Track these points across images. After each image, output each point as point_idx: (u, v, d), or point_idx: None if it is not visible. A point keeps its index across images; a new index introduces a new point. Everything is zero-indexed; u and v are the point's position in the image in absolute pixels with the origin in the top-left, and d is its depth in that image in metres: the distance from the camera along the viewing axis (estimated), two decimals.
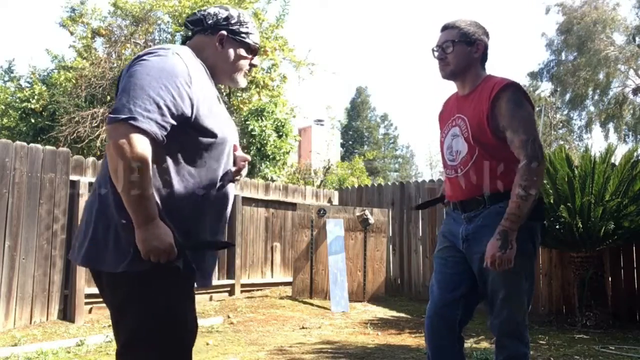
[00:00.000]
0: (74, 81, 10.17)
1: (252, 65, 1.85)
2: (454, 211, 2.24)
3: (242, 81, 1.85)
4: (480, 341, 4.55)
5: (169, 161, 1.59)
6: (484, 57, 2.21)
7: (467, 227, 2.14)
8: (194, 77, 1.61)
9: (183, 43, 1.81)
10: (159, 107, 1.50)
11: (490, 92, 2.06)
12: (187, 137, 1.60)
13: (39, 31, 56.82)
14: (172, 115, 1.53)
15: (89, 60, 10.46)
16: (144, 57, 1.59)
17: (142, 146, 1.47)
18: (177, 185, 1.59)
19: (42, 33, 42.08)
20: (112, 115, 1.49)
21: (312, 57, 22.08)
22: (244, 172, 1.88)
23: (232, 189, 1.81)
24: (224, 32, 1.75)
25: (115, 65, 10.19)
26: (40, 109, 10.25)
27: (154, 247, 1.48)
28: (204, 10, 1.78)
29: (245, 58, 1.81)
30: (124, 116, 1.47)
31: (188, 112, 1.57)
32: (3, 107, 10.87)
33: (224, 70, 1.79)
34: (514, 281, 2.08)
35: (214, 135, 1.64)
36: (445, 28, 2.21)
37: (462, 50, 2.15)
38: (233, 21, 1.77)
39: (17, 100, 10.46)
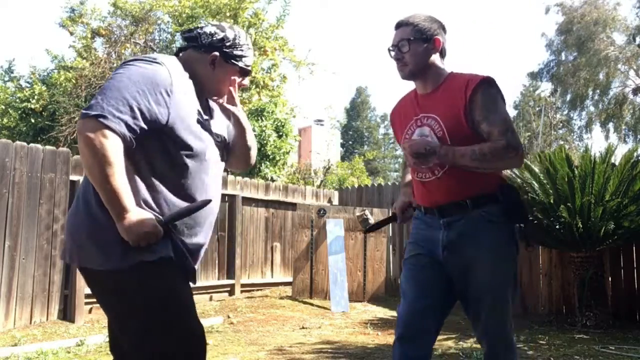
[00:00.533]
0: (74, 81, 10.17)
1: (240, 86, 1.85)
2: (426, 215, 2.10)
3: (221, 98, 1.85)
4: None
5: (145, 165, 1.62)
6: (443, 53, 2.10)
7: (448, 233, 2.01)
8: (177, 89, 1.64)
9: (177, 53, 1.83)
10: (132, 110, 1.54)
11: (464, 87, 1.97)
12: (161, 144, 1.63)
13: (39, 31, 56.84)
14: (145, 120, 1.56)
15: (89, 60, 10.46)
16: (130, 62, 1.64)
17: (110, 142, 1.50)
18: (153, 190, 1.62)
19: (42, 33, 42.10)
20: (84, 111, 1.54)
21: (312, 57, 22.09)
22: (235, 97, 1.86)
23: (217, 199, 1.82)
24: (217, 54, 1.76)
25: (115, 65, 10.19)
26: (40, 109, 10.26)
27: (140, 233, 1.52)
28: (201, 28, 1.80)
29: (233, 81, 1.81)
30: (94, 113, 1.51)
31: (163, 119, 1.59)
32: (3, 107, 10.86)
33: (211, 89, 1.80)
34: (499, 288, 1.99)
35: (189, 148, 1.65)
36: (399, 26, 2.09)
37: (419, 48, 2.03)
38: (228, 43, 1.77)
39: (17, 100, 10.46)
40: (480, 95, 1.95)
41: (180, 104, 1.64)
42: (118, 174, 1.50)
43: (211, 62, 1.76)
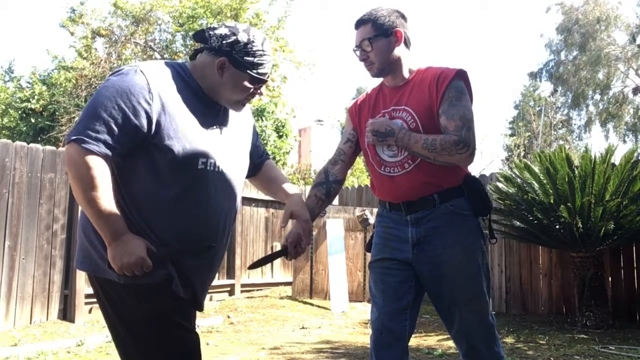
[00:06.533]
0: (74, 81, 10.19)
1: (254, 95, 1.72)
2: (392, 212, 2.04)
3: (238, 109, 1.74)
4: None
5: (132, 178, 1.57)
6: (407, 43, 2.05)
7: (417, 230, 1.97)
8: (159, 94, 1.55)
9: (193, 55, 1.74)
10: (110, 128, 1.49)
11: (438, 80, 1.94)
12: (149, 157, 1.56)
13: (39, 32, 56.82)
14: (126, 135, 1.51)
15: (89, 60, 10.47)
16: (109, 78, 1.59)
17: (91, 165, 1.46)
18: (141, 201, 1.57)
19: (42, 33, 42.10)
20: (68, 137, 1.52)
21: (313, 57, 22.06)
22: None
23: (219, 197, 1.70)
24: (225, 59, 1.62)
25: (115, 65, 10.19)
26: (41, 109, 10.28)
27: (125, 262, 1.47)
28: (213, 29, 1.66)
29: (246, 88, 1.67)
30: (73, 137, 1.48)
31: (144, 129, 1.53)
32: (3, 107, 10.88)
33: (220, 95, 1.68)
34: (474, 282, 1.95)
35: (179, 156, 1.56)
36: (358, 25, 2.03)
37: (382, 45, 1.98)
38: (238, 48, 1.61)
39: (18, 100, 10.49)
40: (447, 89, 1.93)
41: (165, 109, 1.56)
42: (102, 198, 1.45)
43: (219, 67, 1.63)
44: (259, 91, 1.72)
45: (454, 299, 1.95)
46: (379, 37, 1.98)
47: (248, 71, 1.64)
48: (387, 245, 2.04)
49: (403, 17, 2.06)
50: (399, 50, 2.02)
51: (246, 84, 1.66)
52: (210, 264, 1.72)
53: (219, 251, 1.74)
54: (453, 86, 1.93)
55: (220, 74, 1.64)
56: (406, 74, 2.05)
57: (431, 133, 1.92)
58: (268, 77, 1.71)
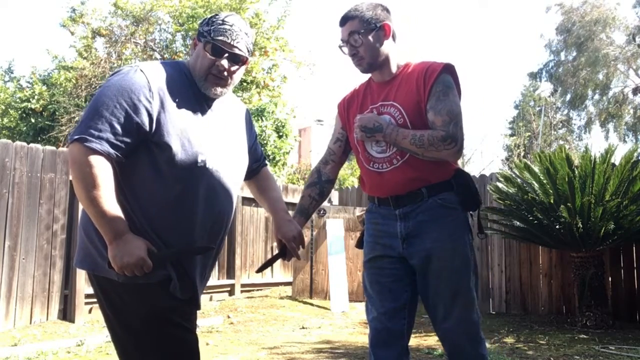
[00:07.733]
0: (74, 81, 10.20)
1: (223, 73, 1.66)
2: (381, 207, 2.03)
3: (209, 88, 1.67)
4: None
5: (134, 176, 1.57)
6: (394, 37, 2.04)
7: (406, 224, 1.95)
8: (157, 92, 1.56)
9: None
10: (112, 126, 1.50)
11: (425, 75, 1.93)
12: (150, 156, 1.57)
13: (39, 31, 56.80)
14: (128, 133, 1.52)
15: (89, 60, 10.48)
16: (110, 77, 1.61)
17: (94, 164, 1.47)
18: (142, 201, 1.57)
19: (42, 33, 42.08)
20: (69, 136, 1.53)
21: (313, 57, 22.06)
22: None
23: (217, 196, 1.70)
24: (195, 38, 1.71)
25: (115, 65, 10.20)
26: (41, 109, 10.29)
27: (125, 262, 1.47)
28: None
29: (209, 60, 1.65)
30: (76, 136, 1.49)
31: (146, 126, 1.54)
32: (3, 107, 10.89)
33: (195, 75, 1.68)
34: (461, 277, 1.93)
35: (170, 149, 1.56)
36: (344, 21, 2.01)
37: (371, 38, 1.97)
38: (203, 24, 1.69)
39: (18, 100, 10.50)
40: (435, 84, 1.92)
41: (165, 107, 1.57)
42: (104, 197, 1.46)
43: (192, 47, 1.72)
44: (226, 70, 1.66)
45: (438, 292, 1.93)
46: (368, 31, 1.97)
47: (204, 39, 1.66)
48: (378, 243, 2.04)
49: (387, 10, 2.04)
50: (388, 44, 2.01)
51: (207, 54, 1.65)
52: (206, 263, 1.73)
53: (217, 251, 1.75)
54: (440, 81, 1.92)
55: (193, 52, 1.71)
56: (394, 69, 2.04)
57: (419, 128, 1.91)
58: (234, 49, 1.67)
